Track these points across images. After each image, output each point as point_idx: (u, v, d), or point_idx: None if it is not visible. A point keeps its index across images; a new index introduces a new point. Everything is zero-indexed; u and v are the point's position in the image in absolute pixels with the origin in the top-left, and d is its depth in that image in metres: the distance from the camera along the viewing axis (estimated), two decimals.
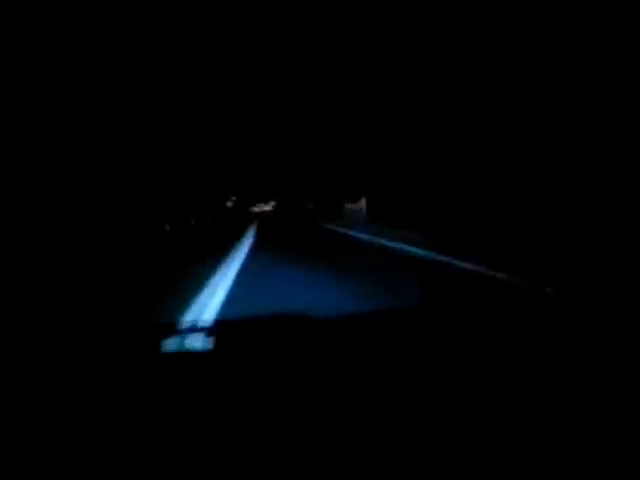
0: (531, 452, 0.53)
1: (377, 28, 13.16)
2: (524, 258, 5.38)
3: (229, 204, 44.66)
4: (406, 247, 7.54)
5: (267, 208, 45.08)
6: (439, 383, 0.72)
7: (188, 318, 3.69)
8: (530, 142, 7.53)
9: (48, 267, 7.72)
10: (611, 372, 0.70)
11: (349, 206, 19.57)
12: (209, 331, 1.15)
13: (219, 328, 1.23)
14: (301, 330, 1.05)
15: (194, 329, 1.27)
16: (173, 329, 1.39)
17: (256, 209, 45.12)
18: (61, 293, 5.26)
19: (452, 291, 3.84)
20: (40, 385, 0.79)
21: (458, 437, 0.56)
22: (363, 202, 18.17)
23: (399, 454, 0.54)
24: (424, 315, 1.20)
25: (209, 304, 4.18)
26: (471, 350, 0.84)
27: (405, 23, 11.39)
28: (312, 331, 1.06)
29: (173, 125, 19.70)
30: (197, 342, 1.07)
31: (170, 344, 1.08)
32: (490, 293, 3.75)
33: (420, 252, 6.91)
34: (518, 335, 0.92)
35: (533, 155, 7.47)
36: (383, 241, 8.90)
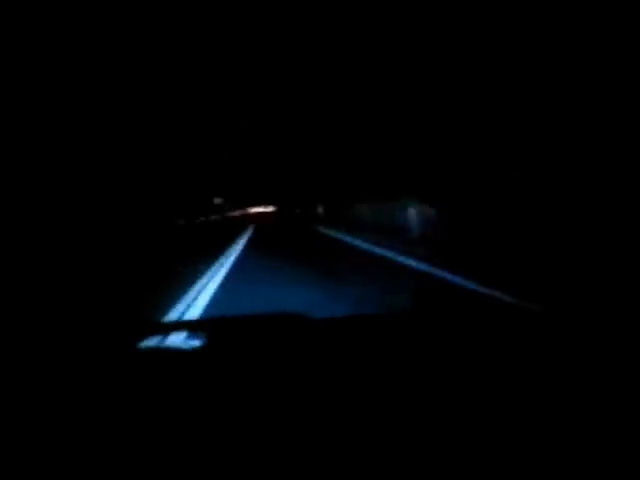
0: (524, 461, 0.52)
1: (376, 32, 13.22)
2: (514, 270, 5.36)
3: (217, 201, 45.40)
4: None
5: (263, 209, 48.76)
6: (435, 386, 0.70)
7: (172, 316, 3.61)
8: (530, 142, 7.55)
9: (34, 265, 7.53)
10: (602, 390, 0.69)
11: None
12: (193, 328, 1.10)
13: (204, 326, 1.17)
14: (291, 331, 1.00)
15: (177, 326, 1.21)
16: (155, 326, 1.32)
17: (253, 210, 49.16)
18: (40, 290, 5.13)
19: (440, 301, 3.81)
20: (11, 382, 0.73)
21: (450, 440, 0.55)
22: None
23: (395, 455, 0.53)
24: (417, 320, 1.17)
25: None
26: (461, 358, 0.82)
27: (404, 26, 11.46)
28: (302, 332, 1.01)
29: (173, 123, 19.55)
30: (179, 340, 1.01)
31: (151, 342, 1.02)
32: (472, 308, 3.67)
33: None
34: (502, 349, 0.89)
35: (533, 155, 7.49)
36: None
